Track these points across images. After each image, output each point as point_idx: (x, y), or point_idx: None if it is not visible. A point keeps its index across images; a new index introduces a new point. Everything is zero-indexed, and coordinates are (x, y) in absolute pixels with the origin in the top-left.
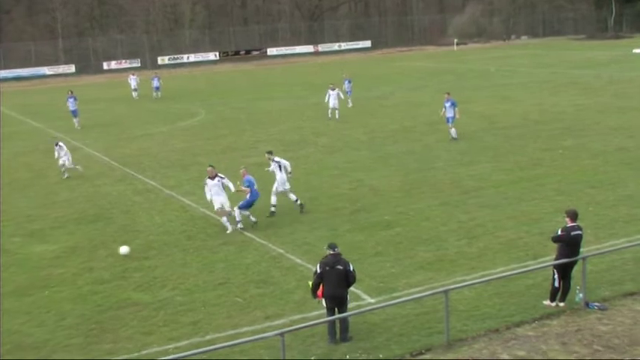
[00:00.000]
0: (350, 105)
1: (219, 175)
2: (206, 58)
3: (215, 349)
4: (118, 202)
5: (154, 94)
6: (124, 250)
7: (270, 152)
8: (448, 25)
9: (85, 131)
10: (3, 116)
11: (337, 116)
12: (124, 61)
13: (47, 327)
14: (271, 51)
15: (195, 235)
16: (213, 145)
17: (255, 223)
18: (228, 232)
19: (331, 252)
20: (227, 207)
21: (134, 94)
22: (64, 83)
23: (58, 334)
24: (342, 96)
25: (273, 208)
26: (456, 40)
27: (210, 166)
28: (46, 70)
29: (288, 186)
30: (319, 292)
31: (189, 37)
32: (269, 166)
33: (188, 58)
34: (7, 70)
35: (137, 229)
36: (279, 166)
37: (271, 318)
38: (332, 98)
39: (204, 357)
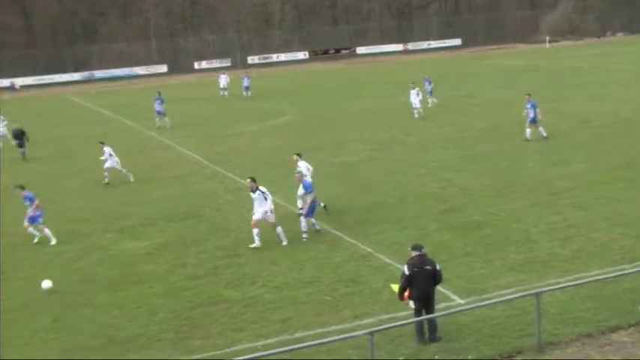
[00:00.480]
0: (430, 105)
1: (260, 188)
2: (295, 58)
3: (303, 347)
4: (208, 200)
5: (244, 93)
6: (45, 284)
7: (298, 155)
8: (540, 23)
9: (175, 130)
10: (98, 115)
11: (416, 115)
12: (214, 60)
13: (139, 321)
14: (360, 50)
15: (285, 233)
16: (302, 143)
17: (319, 230)
18: (252, 245)
19: (417, 253)
20: (271, 219)
21: (224, 93)
22: (156, 83)
23: (149, 329)
24: (420, 96)
25: (323, 204)
26: (548, 38)
27: (251, 179)
28: (139, 70)
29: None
30: (406, 294)
31: (279, 37)
32: (296, 170)
33: (278, 57)
34: (103, 70)
35: (228, 227)
36: (307, 170)
37: (360, 317)
38: (413, 97)
39: (292, 355)
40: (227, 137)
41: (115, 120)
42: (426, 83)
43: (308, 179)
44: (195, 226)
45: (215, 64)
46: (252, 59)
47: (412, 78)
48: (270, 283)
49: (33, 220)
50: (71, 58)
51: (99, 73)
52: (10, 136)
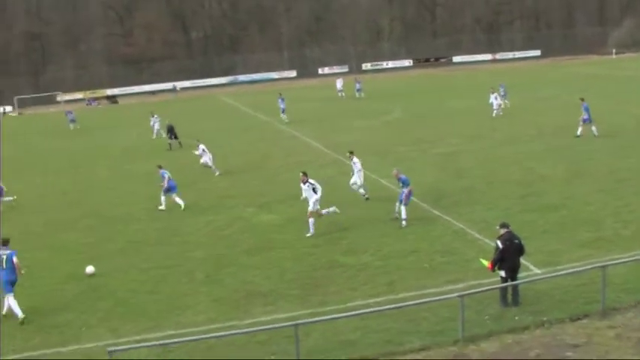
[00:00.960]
0: (502, 107)
1: (310, 181)
2: (402, 65)
3: (406, 305)
4: (328, 182)
5: (357, 94)
6: (89, 269)
7: (351, 152)
8: (608, 37)
9: (302, 124)
10: (241, 112)
11: (494, 114)
12: (335, 67)
13: (272, 280)
14: (456, 58)
15: (393, 211)
16: (407, 137)
17: (396, 219)
18: (308, 234)
19: (506, 229)
20: (313, 208)
21: (341, 94)
22: (287, 85)
23: (280, 286)
24: (498, 99)
25: (366, 195)
26: (614, 50)
27: (302, 173)
28: (274, 75)
29: (359, 182)
30: (490, 264)
31: (388, 48)
32: (352, 164)
33: (387, 64)
34: (244, 75)
35: (345, 205)
36: (355, 165)
37: (453, 282)
38: (492, 99)
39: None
40: (344, 130)
41: (253, 116)
42: (501, 88)
43: (357, 172)
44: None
45: (335, 69)
46: (365, 66)
47: (498, 84)
48: (379, 252)
49: (168, 190)
50: (220, 65)
51: (242, 77)
52: (163, 132)
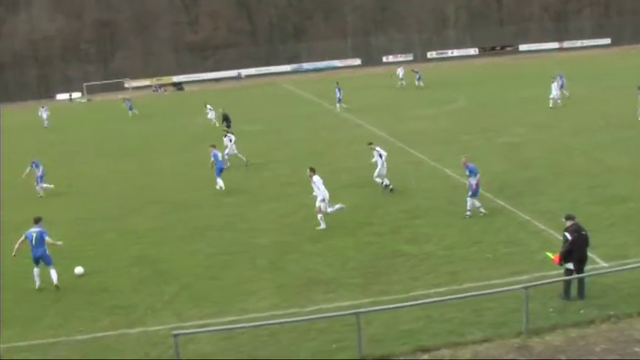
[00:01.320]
0: (561, 98)
1: (313, 178)
2: (467, 54)
3: (469, 296)
4: (392, 171)
5: (417, 83)
6: (78, 270)
7: (370, 143)
8: None
9: (365, 112)
10: (305, 100)
11: (551, 105)
12: (399, 55)
13: (334, 267)
14: (522, 47)
15: (457, 200)
16: (471, 126)
17: (484, 214)
18: (319, 228)
19: (572, 221)
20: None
21: (401, 82)
22: (351, 74)
23: (342, 274)
24: (556, 89)
25: (390, 185)
26: None
27: (310, 169)
28: (338, 63)
29: (384, 172)
30: (556, 257)
31: (453, 36)
32: (372, 157)
33: (452, 53)
34: (309, 63)
35: (408, 194)
36: (380, 155)
37: (517, 274)
38: (553, 89)
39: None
40: (408, 119)
41: (317, 104)
42: (559, 77)
43: (380, 162)
44: (381, 191)
45: (400, 58)
46: (430, 54)
47: (565, 73)
48: (442, 242)
49: (220, 171)
50: (284, 53)
51: (306, 65)
52: (217, 121)
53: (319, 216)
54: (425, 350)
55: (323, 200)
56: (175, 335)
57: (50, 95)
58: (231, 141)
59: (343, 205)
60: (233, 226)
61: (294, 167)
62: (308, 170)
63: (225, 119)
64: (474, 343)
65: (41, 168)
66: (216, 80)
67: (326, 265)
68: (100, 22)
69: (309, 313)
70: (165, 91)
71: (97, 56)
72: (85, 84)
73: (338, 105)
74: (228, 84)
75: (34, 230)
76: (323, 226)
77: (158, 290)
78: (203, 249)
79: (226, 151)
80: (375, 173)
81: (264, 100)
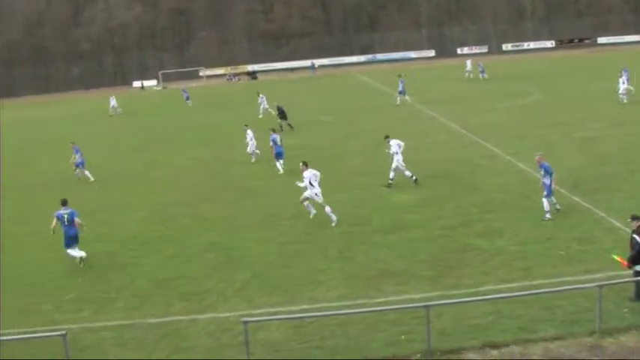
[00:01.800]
0: (625, 91)
1: (304, 174)
2: (543, 46)
3: (541, 292)
4: (464, 164)
5: (480, 75)
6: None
7: (387, 136)
8: None
9: (438, 104)
10: (378, 91)
11: (618, 99)
12: (474, 47)
13: (405, 260)
14: (601, 39)
15: (530, 195)
16: (546, 120)
17: (559, 210)
18: (333, 224)
19: (638, 222)
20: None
21: (468, 75)
22: (425, 65)
23: (413, 267)
24: (625, 83)
25: (414, 177)
26: None
27: (302, 163)
28: (412, 54)
29: (403, 164)
30: (623, 261)
31: (530, 28)
32: (388, 149)
33: (528, 45)
34: (382, 54)
35: (480, 188)
36: (398, 146)
37: (591, 272)
38: (621, 84)
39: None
40: (481, 112)
41: (391, 95)
42: (624, 72)
43: (397, 155)
44: (452, 184)
45: (474, 50)
46: (505, 46)
47: (622, 67)
48: (515, 237)
49: (277, 155)
50: (358, 43)
51: (379, 56)
52: (272, 110)
53: (328, 209)
54: (494, 346)
55: (316, 195)
56: (245, 322)
57: (127, 82)
58: (252, 139)
59: (334, 219)
60: (304, 216)
61: (365, 158)
62: (301, 165)
63: (280, 112)
64: (545, 340)
65: (80, 154)
66: (291, 70)
67: (396, 257)
68: (176, 10)
69: (379, 305)
70: (239, 80)
71: (173, 44)
72: (160, 72)
73: (398, 97)
74: (302, 74)
75: (64, 212)
76: (335, 218)
77: (230, 277)
78: (275, 237)
79: (249, 149)
80: (393, 166)
81: (338, 90)
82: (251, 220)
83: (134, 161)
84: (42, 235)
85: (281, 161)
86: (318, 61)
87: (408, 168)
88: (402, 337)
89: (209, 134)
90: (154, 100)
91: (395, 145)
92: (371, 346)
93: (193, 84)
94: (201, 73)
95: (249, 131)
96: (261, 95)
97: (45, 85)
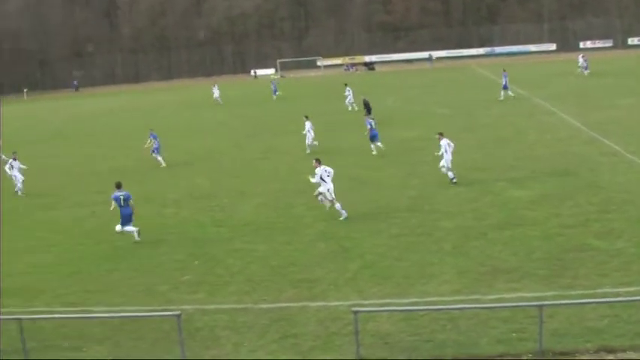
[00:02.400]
0: None
1: (317, 170)
2: None
3: None
4: (584, 161)
5: (584, 72)
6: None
7: (440, 134)
8: None
9: (558, 99)
10: (496, 85)
11: None
12: (597, 41)
13: (518, 257)
14: None
15: None
16: None
17: None
18: (341, 218)
19: None
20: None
21: (581, 70)
22: (545, 59)
23: (526, 264)
24: None
25: (454, 180)
26: None
27: (315, 160)
28: (532, 48)
29: (450, 164)
30: None
31: None
32: (439, 148)
33: None
34: (501, 47)
35: (600, 186)
36: (448, 145)
37: None
38: None
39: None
40: (603, 108)
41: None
42: None
43: (447, 155)
44: (571, 182)
45: (598, 44)
46: (631, 41)
47: None
48: (635, 239)
49: (372, 138)
50: (477, 35)
51: (498, 49)
52: (356, 105)
53: (337, 206)
54: (610, 350)
55: (328, 190)
56: (355, 312)
57: (245, 71)
58: (309, 130)
59: (344, 214)
60: (419, 208)
61: (482, 152)
62: (314, 162)
63: (366, 106)
64: None
65: (158, 140)
66: (408, 61)
67: (510, 254)
68: (296, 0)
69: (491, 302)
70: (356, 70)
71: (292, 33)
72: (278, 61)
73: (502, 92)
74: (420, 65)
75: (120, 194)
76: (345, 214)
77: (341, 267)
78: (387, 229)
79: (308, 140)
80: (441, 163)
81: (455, 83)
82: (364, 211)
83: (250, 149)
84: (165, 218)
85: (377, 143)
86: (435, 53)
87: (452, 169)
88: (513, 335)
89: (322, 124)
90: (269, 88)
91: (445, 144)
92: (481, 342)
93: (311, 73)
94: (318, 63)
95: (307, 123)
96: (348, 88)
97: (167, 72)
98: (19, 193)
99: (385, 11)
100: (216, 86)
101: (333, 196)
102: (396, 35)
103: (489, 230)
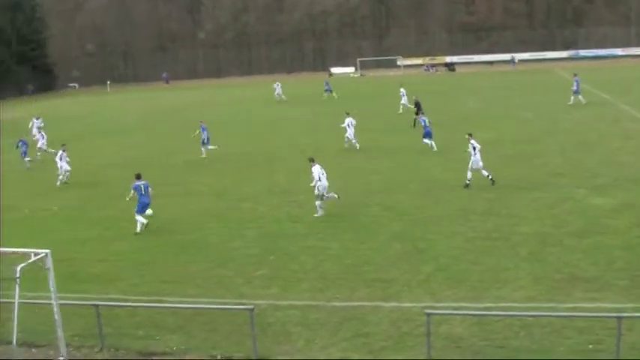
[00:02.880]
0: None
1: (313, 169)
2: None
3: None
4: None
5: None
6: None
7: (469, 134)
8: None
9: None
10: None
11: None
12: None
13: (598, 266)
14: None
15: None
16: None
17: None
18: (315, 215)
19: None
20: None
21: None
22: (633, 63)
23: (606, 274)
24: None
25: (468, 182)
26: None
27: (310, 159)
28: (618, 51)
29: (481, 164)
30: None
31: None
32: (467, 147)
33: None
34: (587, 50)
35: None
36: (474, 148)
37: None
38: None
39: None
40: None
41: (593, 94)
42: None
43: (474, 156)
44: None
45: None
46: None
47: None
48: None
49: (426, 135)
50: (561, 38)
51: (583, 52)
52: (410, 105)
53: (317, 203)
54: None
55: (323, 188)
56: (428, 314)
57: (325, 68)
58: (349, 125)
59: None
60: (496, 211)
61: (564, 157)
62: (310, 161)
63: (417, 105)
64: None
65: (207, 132)
66: (490, 63)
67: (589, 263)
68: None
69: (567, 310)
70: (437, 71)
71: (372, 32)
72: (358, 59)
73: (572, 97)
74: (502, 67)
75: (140, 183)
76: (320, 213)
77: (415, 268)
78: (463, 232)
79: (348, 134)
80: (469, 166)
81: (537, 85)
82: (440, 213)
83: (326, 145)
84: (242, 212)
85: (431, 142)
86: (518, 55)
87: (474, 171)
88: (590, 346)
89: (398, 123)
90: (348, 86)
91: (473, 145)
92: (555, 351)
93: (390, 73)
94: (398, 62)
95: (348, 119)
96: (402, 89)
97: (247, 68)
98: (59, 183)
99: (467, 12)
100: (278, 84)
101: (325, 192)
102: (478, 36)
103: (568, 237)
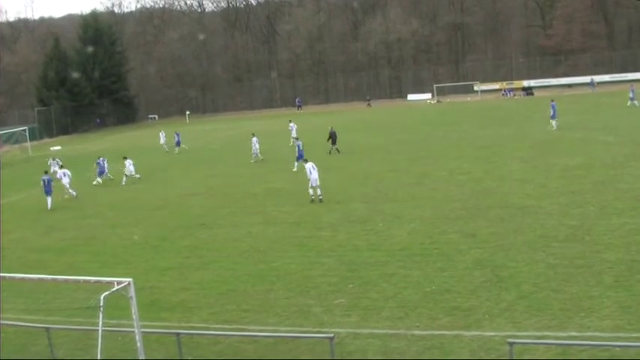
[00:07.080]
0: None
1: (306, 165)
2: None
3: None
4: None
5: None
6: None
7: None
8: None
9: None
10: None
11: None
12: None
13: None
14: None
15: None
16: None
17: None
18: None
19: None
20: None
21: None
22: None
23: None
24: None
25: None
26: None
27: (304, 160)
28: None
29: None
30: None
31: None
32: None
33: None
34: None
35: None
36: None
37: None
38: None
39: None
40: None
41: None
42: None
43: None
44: None
45: None
46: None
47: None
48: None
49: None
50: None
51: None
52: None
53: (310, 191)
54: None
55: (315, 180)
56: (511, 343)
57: (402, 95)
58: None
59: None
60: (579, 238)
61: None
62: (303, 162)
63: (332, 136)
64: None
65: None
66: (569, 86)
67: None
68: (453, 25)
69: None
70: (514, 95)
71: (449, 58)
72: (435, 85)
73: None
74: (581, 90)
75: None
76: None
77: (496, 296)
78: (545, 259)
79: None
80: None
81: (619, 108)
82: (521, 240)
83: (405, 173)
84: (321, 240)
85: None
86: (598, 78)
87: None
88: None
89: (479, 150)
90: (426, 112)
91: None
92: None
93: (467, 98)
94: (475, 88)
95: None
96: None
97: (324, 96)
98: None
99: (545, 35)
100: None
101: (318, 183)
102: (556, 59)
103: None
